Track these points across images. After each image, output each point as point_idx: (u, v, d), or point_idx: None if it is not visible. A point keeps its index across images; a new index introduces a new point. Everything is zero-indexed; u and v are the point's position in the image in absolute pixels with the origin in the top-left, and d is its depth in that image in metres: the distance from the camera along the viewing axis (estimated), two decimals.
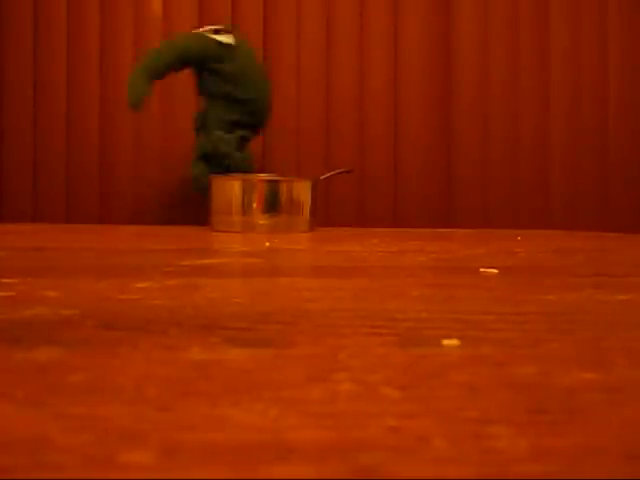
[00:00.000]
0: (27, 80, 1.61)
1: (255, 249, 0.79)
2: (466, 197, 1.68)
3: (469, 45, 1.67)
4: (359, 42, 1.66)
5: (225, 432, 0.16)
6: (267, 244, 0.88)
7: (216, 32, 1.34)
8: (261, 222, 1.25)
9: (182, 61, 1.34)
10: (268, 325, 0.29)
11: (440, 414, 0.18)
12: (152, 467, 0.14)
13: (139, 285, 0.43)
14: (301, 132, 1.64)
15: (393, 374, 0.21)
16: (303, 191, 1.28)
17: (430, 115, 1.67)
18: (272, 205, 1.26)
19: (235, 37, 1.36)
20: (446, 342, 0.26)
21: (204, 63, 1.36)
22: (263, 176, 1.29)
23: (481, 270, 0.55)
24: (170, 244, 0.85)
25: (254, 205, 1.26)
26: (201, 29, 1.38)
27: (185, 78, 1.61)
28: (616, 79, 1.66)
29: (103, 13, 1.62)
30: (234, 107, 1.40)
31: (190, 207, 1.64)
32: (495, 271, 0.54)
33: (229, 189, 1.27)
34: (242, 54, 1.36)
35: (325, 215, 1.61)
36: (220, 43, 1.34)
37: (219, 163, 1.38)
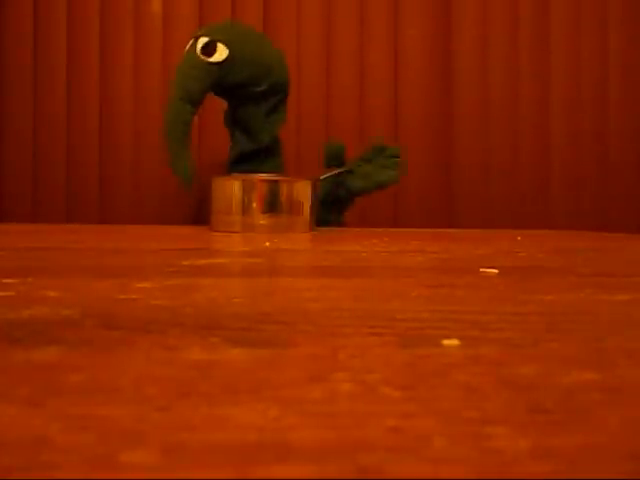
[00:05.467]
0: (27, 80, 1.61)
1: (255, 249, 0.79)
2: (466, 197, 1.68)
3: (469, 46, 1.67)
4: (359, 42, 1.66)
5: (225, 432, 0.16)
6: (267, 244, 0.88)
7: (204, 50, 1.28)
8: (261, 222, 1.25)
9: (196, 103, 1.30)
10: (268, 325, 0.29)
11: (440, 414, 0.18)
12: (152, 467, 0.14)
13: (139, 285, 0.43)
14: (301, 132, 1.64)
15: (393, 374, 0.21)
16: (303, 191, 1.28)
17: (430, 115, 1.67)
18: (272, 205, 1.25)
19: (226, 43, 1.30)
20: (446, 342, 0.26)
21: (218, 92, 1.33)
22: (263, 176, 1.28)
23: (481, 270, 0.55)
24: (170, 244, 0.85)
25: (254, 205, 1.25)
26: (190, 46, 1.29)
27: None
28: (616, 79, 1.66)
29: (103, 13, 1.62)
30: (262, 98, 1.37)
31: (190, 207, 1.64)
32: (495, 271, 0.54)
33: (229, 189, 1.26)
34: (240, 57, 1.31)
35: None
36: (214, 63, 1.29)
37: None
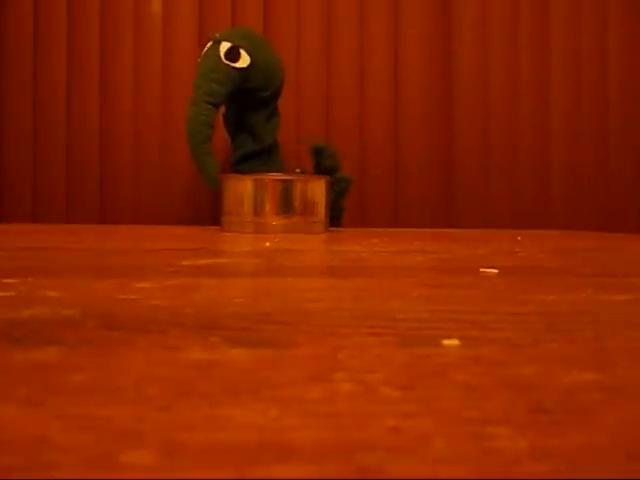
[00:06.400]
0: (27, 80, 1.61)
1: (255, 249, 0.79)
2: (467, 197, 1.68)
3: (469, 46, 1.67)
4: (359, 43, 1.66)
5: (225, 432, 0.16)
6: (267, 244, 0.88)
7: (228, 56, 1.30)
8: (274, 223, 1.21)
9: (218, 106, 1.34)
10: (268, 325, 0.29)
11: (440, 414, 0.18)
12: (152, 467, 0.14)
13: (139, 285, 0.43)
14: (301, 132, 1.64)
15: (393, 374, 0.21)
16: (318, 191, 1.24)
17: (431, 116, 1.67)
18: (285, 205, 1.22)
19: (248, 50, 1.32)
20: (446, 342, 0.26)
21: (232, 93, 1.36)
22: (275, 175, 1.26)
23: (481, 270, 0.55)
24: (170, 244, 0.85)
25: (267, 205, 1.22)
26: (208, 48, 1.32)
27: (184, 78, 1.61)
28: (616, 79, 1.66)
29: (103, 13, 1.62)
30: (266, 102, 1.41)
31: (190, 207, 1.64)
32: (495, 271, 0.54)
33: (240, 188, 1.23)
34: (258, 64, 1.34)
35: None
36: (237, 69, 1.32)
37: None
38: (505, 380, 0.21)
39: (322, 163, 1.39)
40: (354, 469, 0.14)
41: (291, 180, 1.23)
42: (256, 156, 1.43)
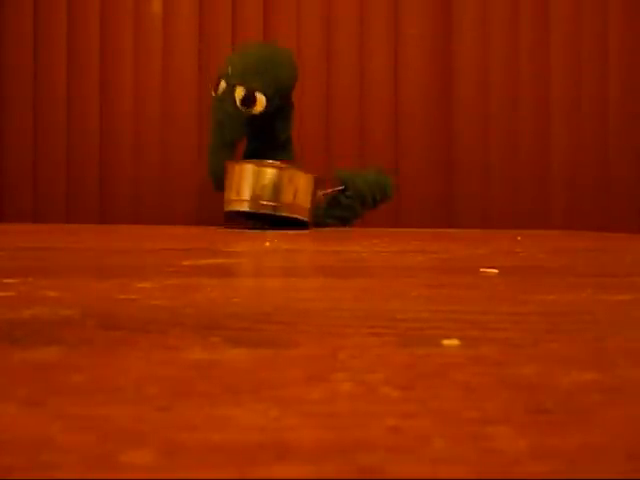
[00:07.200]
0: (27, 80, 1.61)
1: (255, 249, 0.79)
2: (467, 197, 1.68)
3: (469, 46, 1.67)
4: (359, 43, 1.66)
5: (225, 432, 0.16)
6: (267, 244, 0.88)
7: (245, 102, 1.29)
8: (264, 203, 1.30)
9: (236, 146, 1.38)
10: (268, 325, 0.29)
11: (440, 414, 0.18)
12: (152, 467, 0.14)
13: (139, 285, 0.43)
14: (301, 134, 1.64)
15: (393, 374, 0.21)
16: (305, 182, 1.32)
17: (431, 116, 1.67)
18: (277, 190, 1.30)
19: (264, 90, 1.31)
20: (446, 342, 0.26)
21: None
22: (269, 163, 1.31)
23: (481, 270, 0.55)
24: (170, 244, 0.85)
25: (261, 188, 1.30)
26: (223, 92, 1.31)
27: (184, 78, 1.61)
28: (616, 79, 1.66)
29: (103, 13, 1.62)
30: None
31: (190, 207, 1.64)
32: (495, 271, 0.54)
33: (238, 172, 1.32)
34: (274, 95, 1.33)
35: None
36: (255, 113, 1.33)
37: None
38: (505, 380, 0.21)
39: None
40: (354, 469, 0.14)
41: (282, 168, 1.30)
42: (269, 150, 1.43)
